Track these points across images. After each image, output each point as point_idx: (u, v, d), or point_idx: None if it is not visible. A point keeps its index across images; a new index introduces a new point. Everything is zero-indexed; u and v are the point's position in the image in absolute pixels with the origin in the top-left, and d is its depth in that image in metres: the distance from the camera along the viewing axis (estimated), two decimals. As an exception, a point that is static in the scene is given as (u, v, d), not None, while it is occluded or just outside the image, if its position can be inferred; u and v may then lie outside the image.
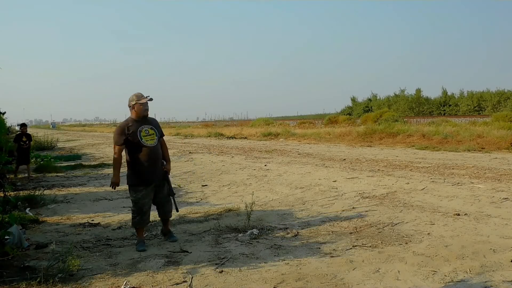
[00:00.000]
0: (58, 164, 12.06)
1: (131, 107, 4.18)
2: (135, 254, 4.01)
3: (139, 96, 4.18)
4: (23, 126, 10.11)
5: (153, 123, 4.31)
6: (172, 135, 30.26)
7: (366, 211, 5.58)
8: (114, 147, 4.20)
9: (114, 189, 4.27)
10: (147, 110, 4.20)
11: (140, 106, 4.14)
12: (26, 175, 9.83)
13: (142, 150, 4.12)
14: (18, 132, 10.12)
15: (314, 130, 25.30)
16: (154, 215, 5.58)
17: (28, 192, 7.20)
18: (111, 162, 13.76)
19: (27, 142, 9.84)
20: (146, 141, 4.14)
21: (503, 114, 24.99)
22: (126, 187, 7.92)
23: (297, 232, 4.60)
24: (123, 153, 4.23)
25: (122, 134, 4.13)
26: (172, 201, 4.40)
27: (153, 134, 4.21)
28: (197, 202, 6.57)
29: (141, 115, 4.19)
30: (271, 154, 14.18)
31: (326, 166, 10.42)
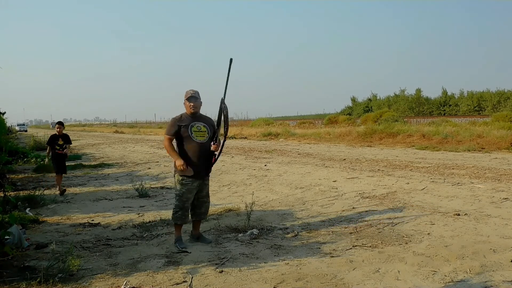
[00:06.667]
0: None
1: (184, 103, 4.26)
2: (135, 254, 4.01)
3: (188, 93, 4.23)
4: (59, 124, 7.66)
5: (207, 122, 4.33)
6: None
7: (366, 211, 5.58)
8: (165, 137, 4.26)
9: (186, 168, 4.15)
10: (195, 107, 4.22)
11: (186, 102, 4.23)
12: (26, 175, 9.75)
13: (192, 145, 4.19)
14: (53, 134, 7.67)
15: (314, 130, 25.33)
16: (153, 215, 5.59)
17: (28, 192, 7.19)
18: (111, 162, 13.69)
19: (64, 146, 7.52)
20: (196, 136, 4.19)
21: (503, 114, 25.06)
22: (126, 186, 7.84)
23: (297, 232, 4.60)
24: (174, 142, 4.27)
25: (174, 126, 4.20)
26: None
27: (205, 131, 4.24)
28: (197, 202, 6.56)
29: (188, 112, 4.25)
30: (271, 154, 14.19)
31: (326, 166, 10.43)
